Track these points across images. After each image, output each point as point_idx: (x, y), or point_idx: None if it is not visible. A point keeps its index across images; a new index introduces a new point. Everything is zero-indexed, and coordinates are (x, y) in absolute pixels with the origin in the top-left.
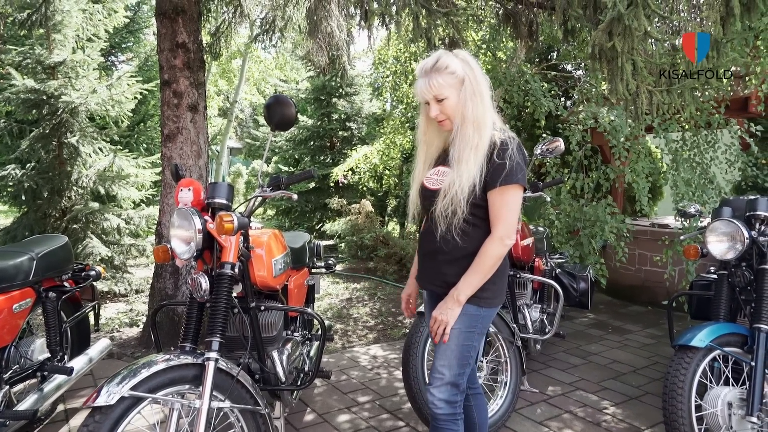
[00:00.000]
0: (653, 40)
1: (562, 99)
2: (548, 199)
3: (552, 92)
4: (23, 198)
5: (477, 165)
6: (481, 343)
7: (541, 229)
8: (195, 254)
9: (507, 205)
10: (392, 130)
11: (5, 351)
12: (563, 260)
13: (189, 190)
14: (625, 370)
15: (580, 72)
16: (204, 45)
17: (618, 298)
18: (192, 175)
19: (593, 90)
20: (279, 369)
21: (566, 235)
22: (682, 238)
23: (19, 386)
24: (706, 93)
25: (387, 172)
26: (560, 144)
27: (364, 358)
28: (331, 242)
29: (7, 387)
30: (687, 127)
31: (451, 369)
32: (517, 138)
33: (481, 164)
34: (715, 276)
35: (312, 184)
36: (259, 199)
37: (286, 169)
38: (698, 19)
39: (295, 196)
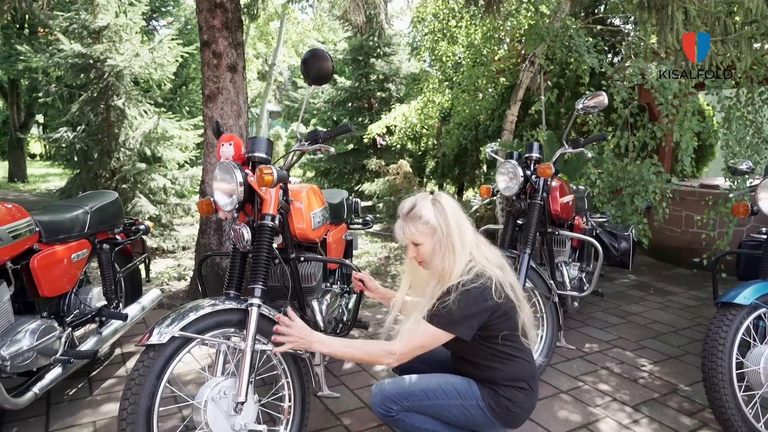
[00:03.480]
0: None
1: (609, 55)
2: (589, 155)
3: (597, 47)
4: (75, 159)
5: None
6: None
7: (582, 187)
8: (237, 206)
9: (420, 336)
10: (430, 89)
11: (67, 297)
12: (604, 220)
13: (230, 144)
14: (665, 330)
15: (628, 26)
16: (241, 6)
17: (662, 260)
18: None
19: (641, 44)
20: (318, 317)
21: (608, 195)
22: (731, 195)
23: (80, 331)
24: (767, 45)
25: (425, 131)
26: (603, 98)
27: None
28: (369, 203)
29: (70, 329)
30: (742, 81)
31: (413, 399)
32: (471, 286)
33: None
34: (765, 236)
35: (350, 146)
36: (298, 153)
37: (306, 143)
38: None
39: (332, 149)
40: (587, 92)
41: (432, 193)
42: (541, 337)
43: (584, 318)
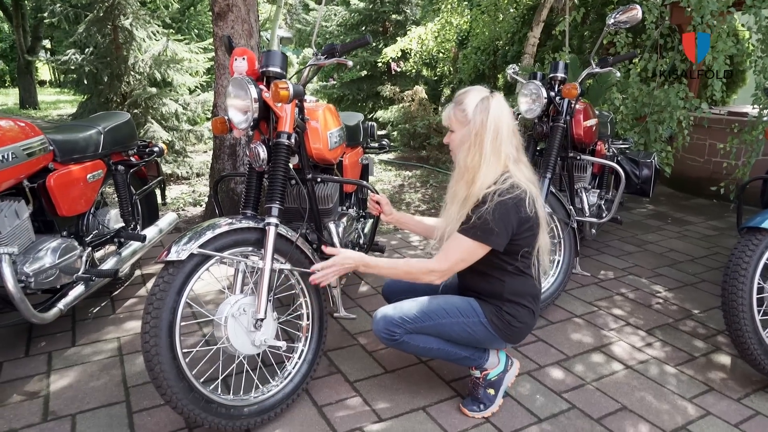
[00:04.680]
0: None
1: None
2: (618, 74)
3: None
4: (85, 83)
5: (459, 221)
6: (455, 338)
7: (605, 113)
8: (252, 124)
9: (459, 251)
10: (448, 10)
11: (85, 217)
12: (626, 146)
13: (243, 59)
14: (682, 259)
15: None
16: None
17: (682, 190)
18: None
19: None
20: (335, 239)
21: (632, 121)
22: (765, 119)
23: (100, 252)
24: None
25: (441, 55)
26: (637, 12)
27: (415, 239)
28: (383, 132)
29: (90, 249)
30: None
31: (415, 321)
32: (507, 196)
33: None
34: None
35: (363, 72)
36: (314, 68)
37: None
38: None
39: (350, 63)
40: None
41: (492, 91)
42: (558, 262)
43: (600, 246)
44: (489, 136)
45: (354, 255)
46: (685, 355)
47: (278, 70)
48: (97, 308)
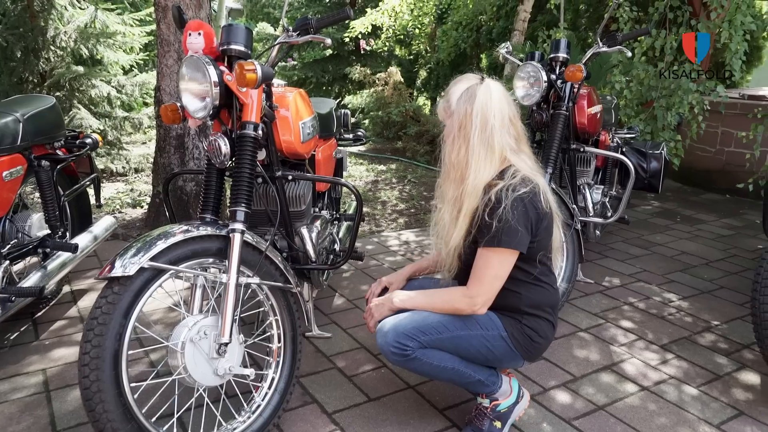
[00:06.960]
0: None
1: None
2: (629, 54)
3: None
4: None
5: (462, 227)
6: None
7: (608, 98)
8: (211, 112)
9: (489, 267)
10: None
11: (0, 223)
12: (632, 136)
13: (199, 34)
14: (695, 263)
15: None
16: None
17: (689, 185)
18: None
19: None
20: (309, 246)
21: (636, 107)
22: None
23: (20, 265)
24: None
25: (417, 31)
26: None
27: (395, 243)
28: (352, 120)
29: (7, 262)
30: None
31: (431, 333)
32: (522, 191)
33: (467, 224)
34: None
35: (329, 51)
36: (285, 47)
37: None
38: None
39: (328, 41)
40: None
41: (483, 78)
42: (561, 269)
43: (602, 249)
44: (476, 127)
45: (391, 297)
46: (708, 373)
47: (242, 48)
48: (16, 334)
